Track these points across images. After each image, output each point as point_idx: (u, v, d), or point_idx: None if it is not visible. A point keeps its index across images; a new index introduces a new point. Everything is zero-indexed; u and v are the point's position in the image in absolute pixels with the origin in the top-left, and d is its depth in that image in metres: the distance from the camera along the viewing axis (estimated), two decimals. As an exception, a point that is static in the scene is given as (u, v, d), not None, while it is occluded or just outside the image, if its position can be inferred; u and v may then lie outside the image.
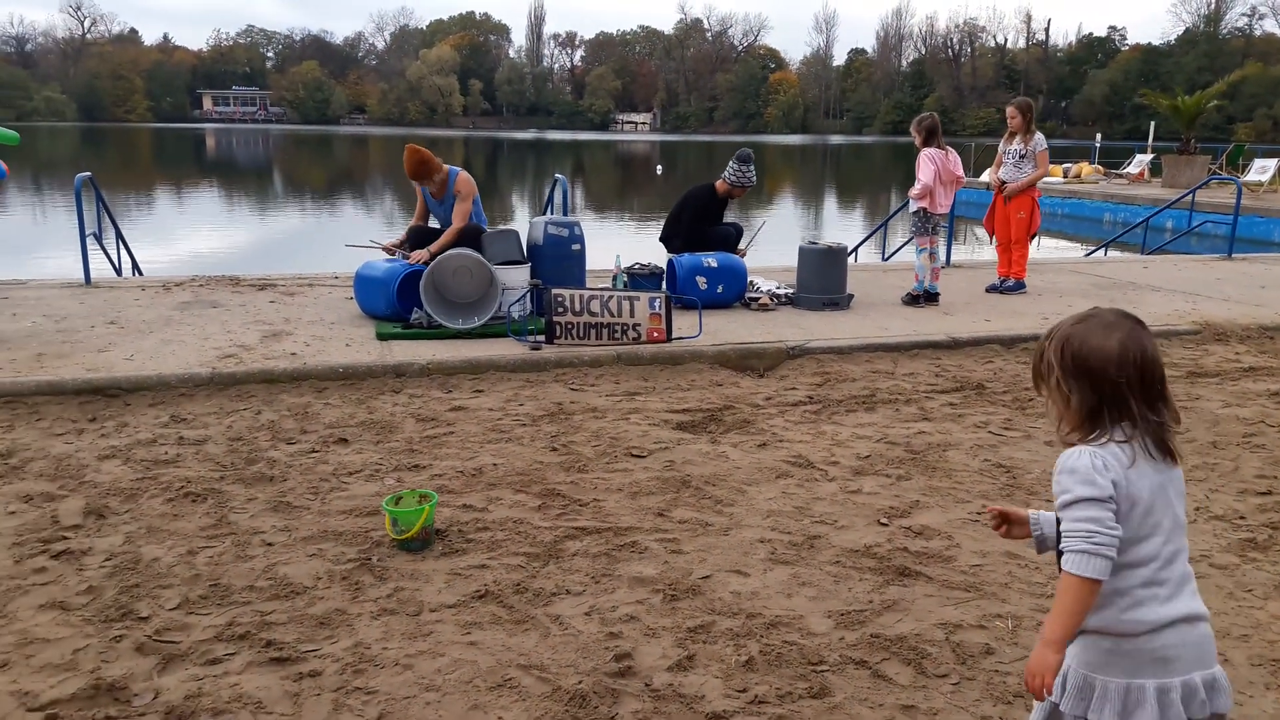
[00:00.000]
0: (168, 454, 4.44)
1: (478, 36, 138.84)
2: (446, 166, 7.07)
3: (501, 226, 7.11)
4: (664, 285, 7.30)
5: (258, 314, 6.95)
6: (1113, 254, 12.14)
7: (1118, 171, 27.12)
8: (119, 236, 9.21)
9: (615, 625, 2.99)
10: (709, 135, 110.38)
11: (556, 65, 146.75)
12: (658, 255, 8.31)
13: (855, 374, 5.94)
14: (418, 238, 7.00)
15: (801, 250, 7.43)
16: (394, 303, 6.50)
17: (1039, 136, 7.99)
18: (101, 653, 2.81)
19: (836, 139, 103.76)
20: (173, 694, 2.62)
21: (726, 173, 8.01)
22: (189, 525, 3.70)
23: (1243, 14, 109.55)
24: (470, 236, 6.89)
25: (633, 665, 2.77)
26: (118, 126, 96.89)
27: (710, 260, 7.20)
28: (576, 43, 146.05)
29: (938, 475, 4.29)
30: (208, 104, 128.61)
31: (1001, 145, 8.26)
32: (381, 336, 6.20)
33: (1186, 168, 21.73)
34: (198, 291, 7.79)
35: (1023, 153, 8.02)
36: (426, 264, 6.52)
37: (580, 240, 6.95)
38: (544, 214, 9.17)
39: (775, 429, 4.91)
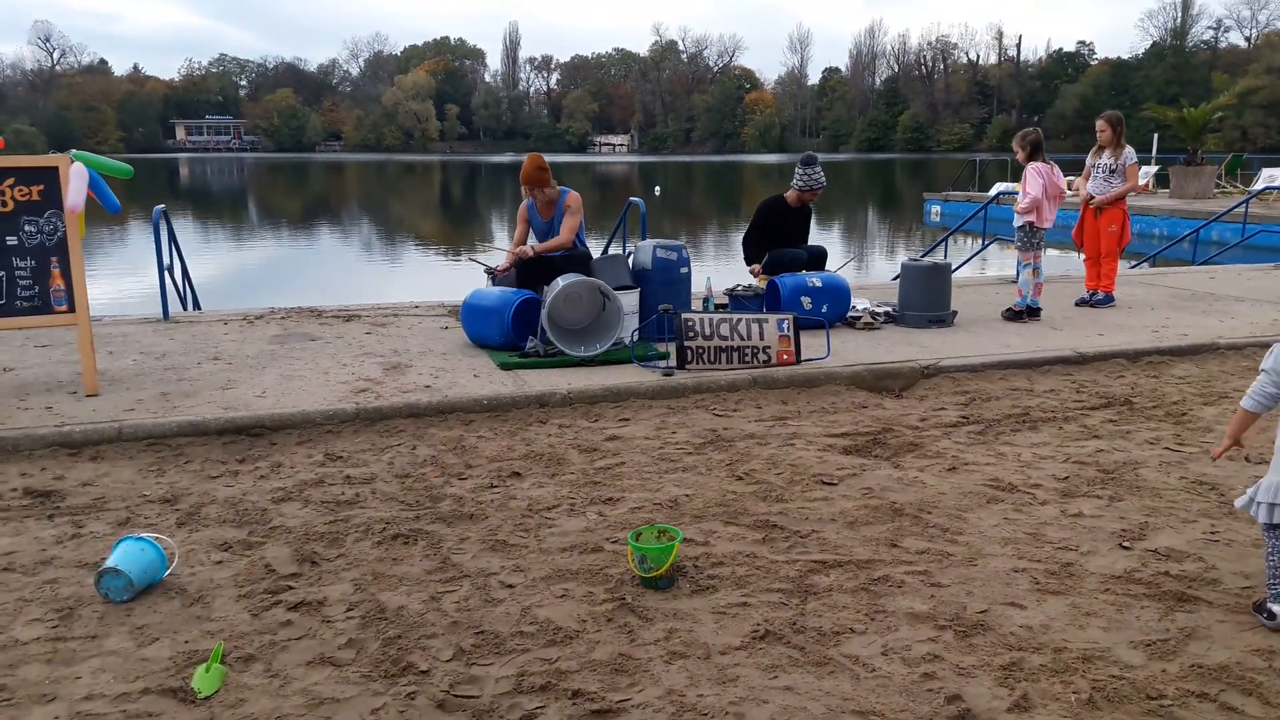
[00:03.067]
0: (344, 494, 4.28)
1: (453, 61, 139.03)
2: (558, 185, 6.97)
3: (614, 253, 7.00)
4: (764, 307, 7.19)
5: (362, 347, 6.78)
6: (1161, 266, 12.21)
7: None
8: (184, 270, 9.01)
9: (921, 665, 2.87)
10: (687, 155, 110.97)
11: (533, 88, 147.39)
12: (740, 276, 8.21)
13: (995, 392, 5.86)
14: (525, 268, 6.86)
15: (905, 267, 7.36)
16: (509, 331, 6.36)
17: (1129, 150, 7.98)
18: (403, 711, 2.65)
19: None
20: (506, 754, 2.47)
21: (795, 180, 7.88)
22: (413, 569, 3.55)
23: (1208, 27, 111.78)
24: (579, 261, 6.77)
25: (970, 708, 2.64)
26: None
27: (815, 280, 7.12)
28: (552, 66, 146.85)
29: (1146, 495, 4.20)
30: (181, 133, 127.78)
31: (1089, 159, 8.25)
32: (505, 366, 6.06)
33: (1195, 178, 21.96)
34: (284, 324, 7.61)
35: (1112, 167, 8.01)
36: (531, 260, 6.45)
37: (688, 263, 6.86)
38: (612, 238, 9.06)
39: (951, 451, 4.81)
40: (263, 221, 31.63)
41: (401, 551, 3.70)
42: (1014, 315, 7.56)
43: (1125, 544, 3.70)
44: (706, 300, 7.41)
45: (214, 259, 19.93)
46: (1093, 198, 8.14)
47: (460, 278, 17.69)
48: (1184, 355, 6.60)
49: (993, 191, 24.11)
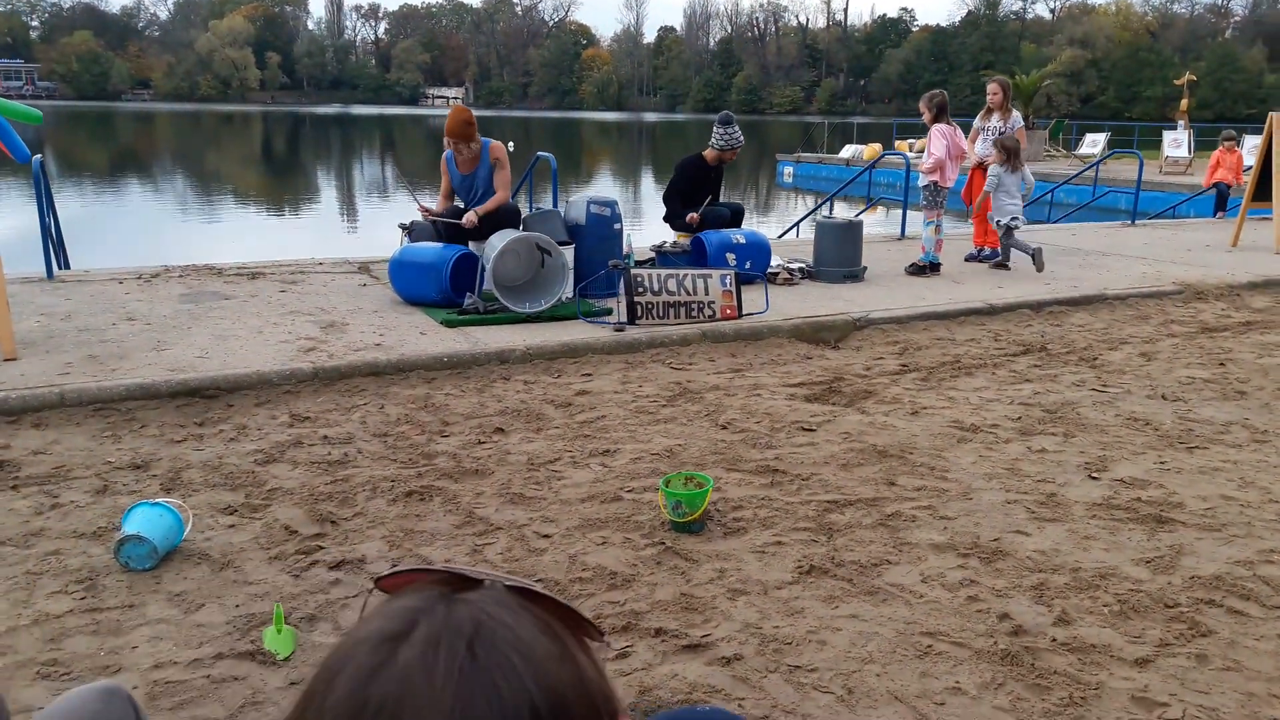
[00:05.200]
0: (331, 455, 4.18)
1: (272, 7, 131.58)
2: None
3: (545, 208, 6.96)
4: (691, 263, 7.32)
5: (284, 305, 6.53)
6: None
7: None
8: (57, 226, 8.36)
9: (961, 590, 3.10)
10: (524, 111, 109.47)
11: (359, 37, 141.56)
12: (658, 233, 8.32)
13: (923, 342, 6.22)
14: (458, 216, 6.74)
15: (820, 225, 7.65)
16: (446, 287, 6.27)
17: (1016, 114, 8.52)
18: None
19: (652, 116, 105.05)
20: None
21: (712, 139, 7.97)
22: (440, 524, 3.53)
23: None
24: (510, 216, 6.71)
25: (1021, 624, 2.88)
26: None
27: (739, 237, 7.30)
28: (380, 14, 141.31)
29: (1093, 431, 4.60)
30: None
31: (978, 121, 8.74)
32: (449, 323, 5.98)
33: (1028, 143, 23.40)
34: (186, 283, 7.21)
35: (1001, 129, 8.53)
36: (475, 226, 6.37)
37: (620, 219, 6.91)
38: (524, 193, 8.98)
39: (905, 397, 5.10)
40: (66, 176, 29.31)
41: (420, 508, 3.67)
42: (918, 270, 7.99)
43: (1094, 475, 4.06)
44: (628, 257, 7.48)
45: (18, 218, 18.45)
46: (982, 160, 8.65)
47: (300, 236, 16.98)
48: (1078, 305, 7.17)
49: (845, 153, 25.02)
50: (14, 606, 2.92)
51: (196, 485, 3.85)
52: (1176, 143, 21.32)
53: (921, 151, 9.33)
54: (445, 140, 6.88)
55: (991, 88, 8.65)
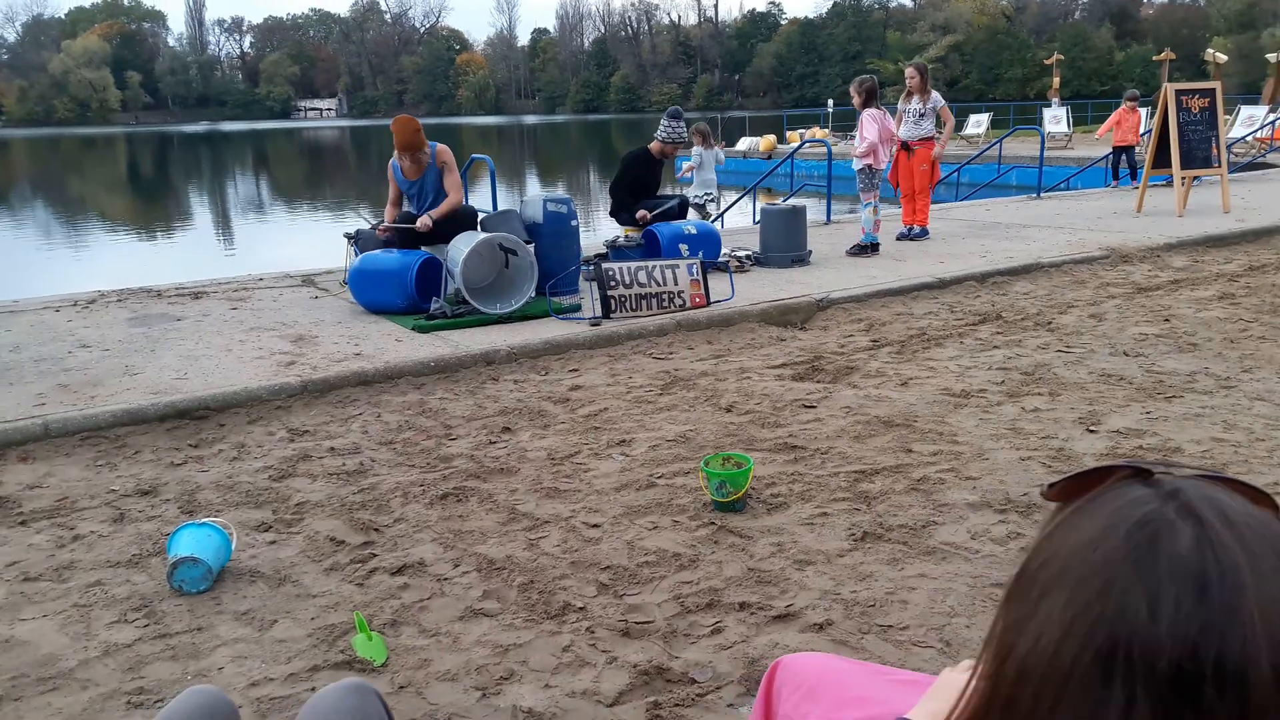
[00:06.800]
0: (346, 465, 4.11)
1: (129, 25, 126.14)
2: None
3: (504, 208, 6.92)
4: (645, 256, 7.40)
5: (242, 322, 6.34)
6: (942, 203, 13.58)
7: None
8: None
9: (1010, 543, 3.24)
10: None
11: (224, 53, 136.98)
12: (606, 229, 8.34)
13: (884, 318, 6.42)
14: (410, 222, 6.65)
15: (765, 212, 7.80)
16: (412, 294, 6.19)
17: (936, 94, 8.83)
18: (592, 644, 2.71)
19: (531, 119, 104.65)
20: (724, 665, 2.60)
21: (659, 132, 8.08)
22: (486, 523, 3.52)
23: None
24: (467, 218, 6.66)
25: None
26: None
27: (690, 228, 7.40)
28: (244, 28, 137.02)
29: (1074, 389, 4.85)
30: None
31: (900, 104, 9.04)
32: (420, 329, 5.91)
33: (951, 119, 24.21)
34: (129, 307, 6.93)
35: (922, 111, 8.84)
36: (431, 230, 6.33)
37: (576, 216, 6.93)
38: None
39: (888, 370, 5.28)
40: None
41: (460, 509, 3.65)
42: (859, 251, 8.22)
43: (1091, 429, 4.29)
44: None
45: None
46: (905, 141, 8.95)
47: (188, 256, 16.28)
48: (1018, 274, 7.50)
49: (741, 146, 25.41)
50: (76, 640, 2.80)
51: (217, 505, 3.75)
52: (1056, 119, 22.37)
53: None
54: (398, 154, 6.78)
55: (909, 72, 8.97)
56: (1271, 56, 23.79)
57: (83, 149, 65.72)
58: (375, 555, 3.29)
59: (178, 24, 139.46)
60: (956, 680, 1.18)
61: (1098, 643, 0.62)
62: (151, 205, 28.39)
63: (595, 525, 3.48)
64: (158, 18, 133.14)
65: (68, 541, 3.46)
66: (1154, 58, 28.05)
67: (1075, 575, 0.65)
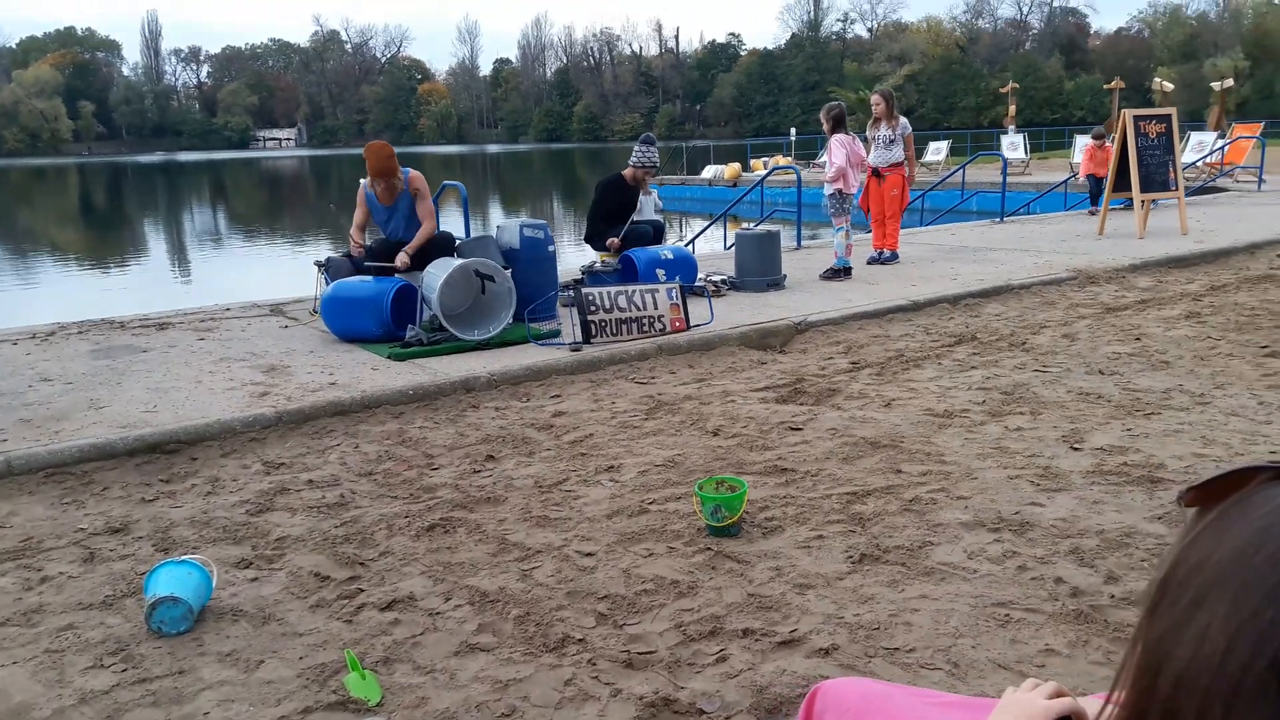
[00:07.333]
0: (326, 498, 4.00)
1: (82, 54, 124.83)
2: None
3: (481, 234, 6.86)
4: (622, 280, 7.36)
5: (210, 353, 6.20)
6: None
7: (816, 161, 29.98)
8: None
9: (1007, 561, 3.21)
10: (361, 149, 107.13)
11: (180, 82, 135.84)
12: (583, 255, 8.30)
13: (862, 340, 6.42)
14: (385, 250, 6.57)
15: (740, 236, 7.81)
16: (388, 321, 6.10)
17: (903, 120, 8.92)
18: (595, 677, 2.63)
19: (494, 148, 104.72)
20: (732, 694, 2.53)
21: (634, 158, 8.09)
22: (475, 554, 3.43)
23: (838, 20, 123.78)
24: (444, 244, 6.59)
25: (1077, 587, 3.01)
26: None
27: (666, 253, 7.39)
28: (201, 58, 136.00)
29: (1054, 408, 4.86)
30: None
31: (868, 131, 9.11)
32: (396, 356, 5.81)
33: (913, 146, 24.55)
34: (90, 339, 6.76)
35: (891, 137, 8.92)
36: (409, 268, 6.23)
37: (552, 241, 6.88)
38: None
39: (870, 391, 5.26)
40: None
41: (448, 540, 3.55)
42: (832, 274, 8.25)
43: (1075, 446, 4.29)
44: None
45: None
46: (875, 168, 9.02)
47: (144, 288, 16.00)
48: (989, 296, 7.56)
49: (706, 174, 25.56)
50: (49, 688, 2.67)
51: (193, 542, 3.62)
52: (1014, 145, 22.77)
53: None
54: (371, 180, 6.71)
55: (875, 99, 9.06)
56: (1215, 85, 24.45)
57: (33, 179, 64.76)
58: (363, 590, 3.19)
59: (133, 53, 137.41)
60: (1024, 700, 1.13)
61: (1273, 650, 0.58)
62: (105, 237, 27.95)
63: (589, 554, 3.40)
64: (112, 47, 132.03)
65: (35, 583, 3.32)
66: (1105, 86, 28.68)
67: (1236, 581, 0.62)
